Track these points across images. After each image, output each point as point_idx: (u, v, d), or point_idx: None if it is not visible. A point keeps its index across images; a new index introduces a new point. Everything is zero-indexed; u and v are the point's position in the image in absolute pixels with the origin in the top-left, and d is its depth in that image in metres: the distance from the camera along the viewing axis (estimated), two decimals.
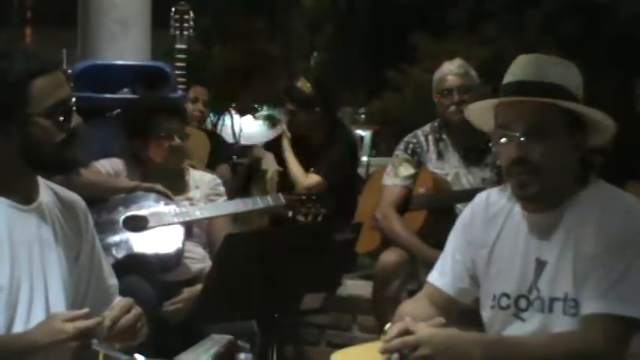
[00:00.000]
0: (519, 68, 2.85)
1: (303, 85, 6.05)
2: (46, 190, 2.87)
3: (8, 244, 2.70)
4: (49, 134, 2.69)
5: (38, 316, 2.71)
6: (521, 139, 2.76)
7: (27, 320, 2.71)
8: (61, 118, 2.70)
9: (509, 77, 2.85)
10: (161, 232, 4.51)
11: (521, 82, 2.81)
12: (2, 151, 2.71)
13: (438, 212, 5.05)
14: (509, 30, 19.81)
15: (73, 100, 2.75)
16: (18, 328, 2.69)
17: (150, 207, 4.54)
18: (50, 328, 2.55)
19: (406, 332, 2.61)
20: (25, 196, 2.78)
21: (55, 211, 2.87)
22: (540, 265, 2.81)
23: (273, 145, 6.37)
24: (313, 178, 5.78)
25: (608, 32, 18.42)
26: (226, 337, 2.82)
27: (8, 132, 2.68)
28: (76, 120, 2.75)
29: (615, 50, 17.55)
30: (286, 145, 6.05)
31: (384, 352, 2.60)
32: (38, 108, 2.67)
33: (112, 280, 3.09)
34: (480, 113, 2.95)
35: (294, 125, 6.07)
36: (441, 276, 3.04)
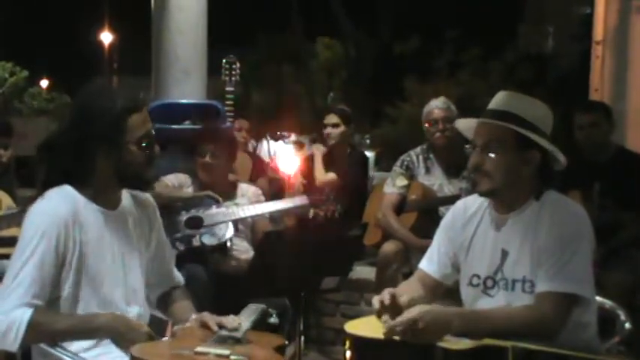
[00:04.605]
0: (494, 100, 2.85)
1: (344, 107, 6.15)
2: (126, 195, 2.87)
3: (100, 239, 2.72)
4: (137, 158, 2.69)
5: (120, 291, 2.75)
6: (479, 150, 2.77)
7: (124, 288, 2.75)
8: (146, 146, 2.71)
9: (489, 105, 2.85)
10: (214, 229, 4.49)
11: (489, 110, 2.82)
12: (103, 171, 2.70)
13: (426, 213, 5.04)
14: (479, 75, 19.79)
15: (153, 132, 2.76)
16: (108, 298, 2.70)
17: (204, 210, 4.53)
18: (124, 325, 2.59)
19: (393, 296, 2.61)
20: (112, 204, 2.79)
21: (133, 211, 2.87)
22: (504, 254, 2.78)
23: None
24: (330, 176, 5.79)
25: (552, 77, 18.46)
26: (261, 306, 2.82)
27: (109, 155, 2.67)
28: (156, 149, 2.75)
29: (558, 90, 17.55)
30: (318, 156, 6.02)
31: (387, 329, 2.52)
32: (132, 137, 2.67)
33: (171, 256, 3.11)
34: (465, 127, 2.93)
35: (339, 136, 5.96)
36: (430, 264, 3.02)
